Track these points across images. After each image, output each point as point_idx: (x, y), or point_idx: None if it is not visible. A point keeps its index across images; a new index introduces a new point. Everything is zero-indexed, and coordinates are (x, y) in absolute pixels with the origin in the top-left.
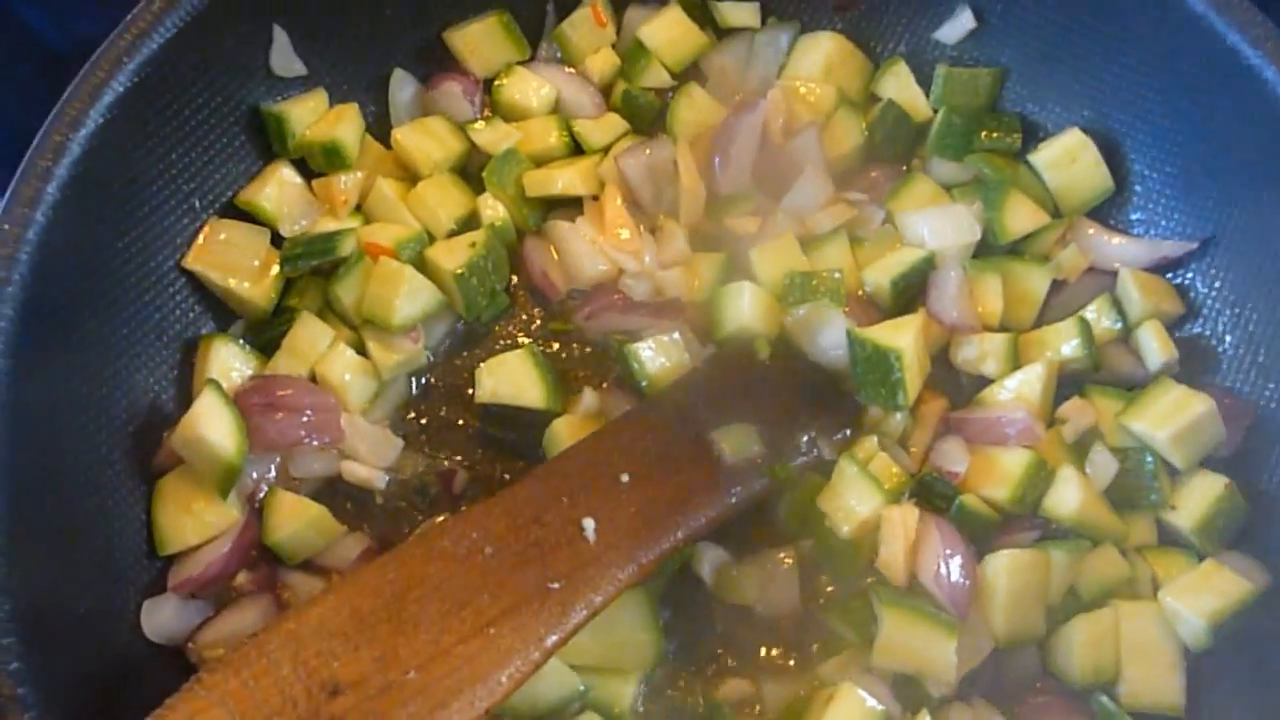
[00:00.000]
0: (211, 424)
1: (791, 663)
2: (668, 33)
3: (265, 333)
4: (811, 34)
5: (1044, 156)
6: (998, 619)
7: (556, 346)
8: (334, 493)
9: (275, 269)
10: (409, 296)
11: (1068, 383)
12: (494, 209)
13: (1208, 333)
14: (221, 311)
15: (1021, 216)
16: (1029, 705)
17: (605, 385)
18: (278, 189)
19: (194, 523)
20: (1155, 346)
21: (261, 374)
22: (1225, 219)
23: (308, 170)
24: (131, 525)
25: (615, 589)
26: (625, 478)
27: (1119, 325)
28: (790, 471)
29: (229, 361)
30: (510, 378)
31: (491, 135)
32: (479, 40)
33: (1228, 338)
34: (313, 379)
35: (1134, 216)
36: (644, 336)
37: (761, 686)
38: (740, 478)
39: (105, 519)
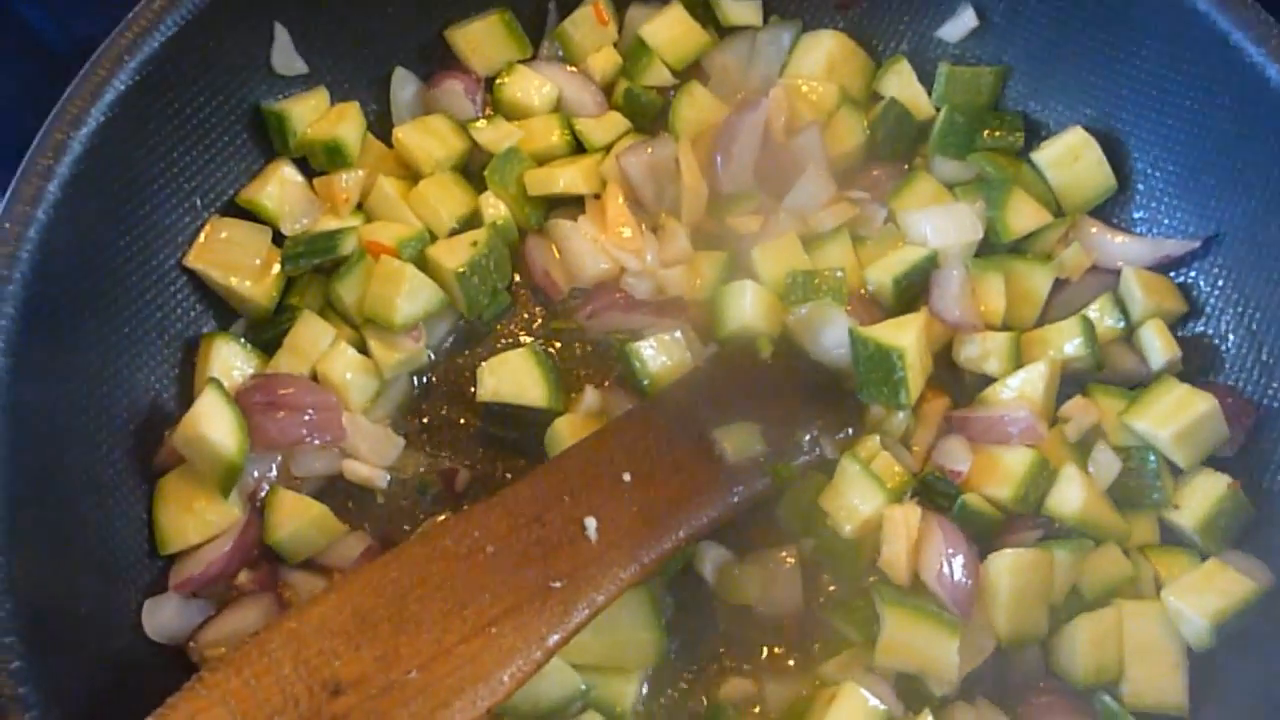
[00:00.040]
0: (213, 423)
1: (793, 662)
2: (669, 31)
3: (266, 331)
4: (813, 32)
5: (1046, 155)
6: (1000, 618)
7: (558, 345)
8: (335, 492)
9: (276, 267)
10: (410, 295)
11: (1070, 381)
12: (496, 207)
13: (1210, 331)
14: (223, 310)
15: (1024, 215)
16: (1032, 705)
17: (607, 384)
18: (279, 187)
19: (195, 522)
20: (1158, 345)
21: (263, 373)
22: (1228, 217)
23: (309, 169)
24: (132, 524)
25: (617, 588)
26: (627, 477)
27: (1121, 324)
28: (792, 470)
29: (230, 360)
30: (512, 376)
31: (493, 134)
32: (481, 38)
33: (1230, 336)
34: (314, 378)
35: (1136, 215)
36: (646, 335)
37: (764, 686)
38: (742, 477)
39: (106, 518)
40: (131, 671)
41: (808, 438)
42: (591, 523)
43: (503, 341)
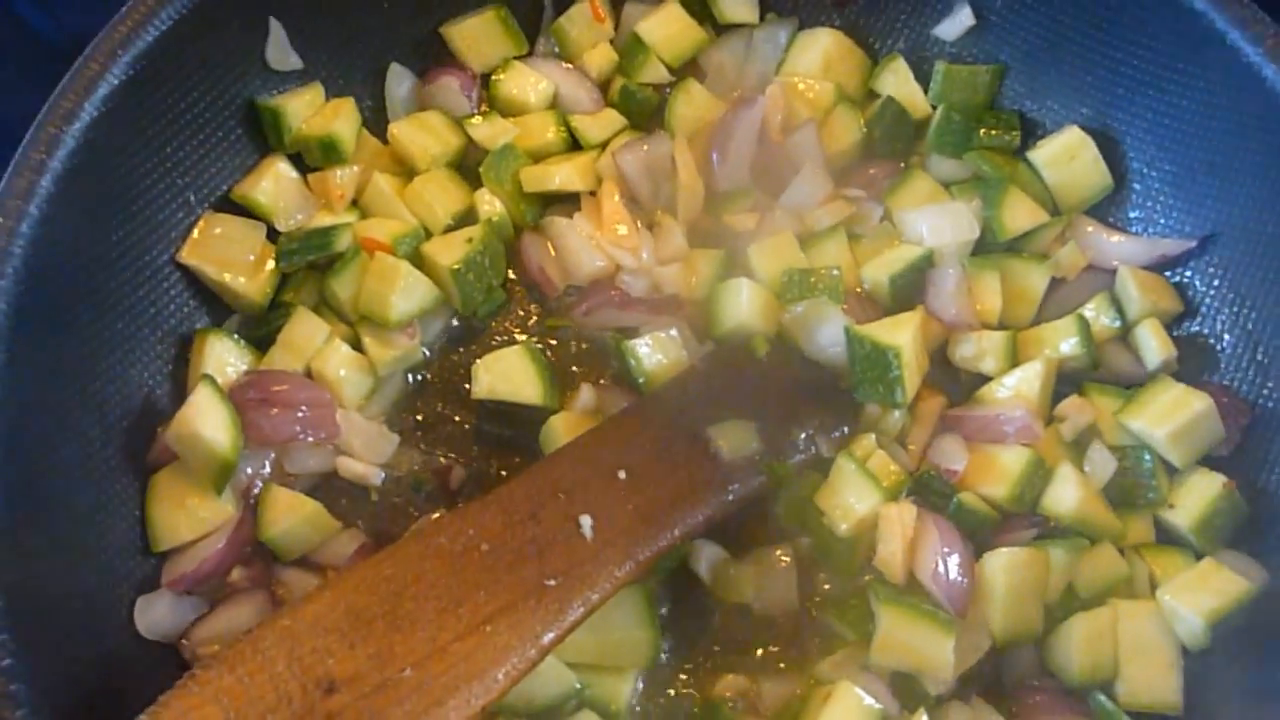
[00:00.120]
0: (206, 419)
1: (789, 661)
2: (666, 28)
3: (261, 328)
4: (810, 30)
5: (1043, 154)
6: (996, 617)
7: (554, 343)
8: (329, 489)
9: (271, 264)
10: (405, 292)
11: (1066, 381)
12: (491, 204)
13: (1206, 331)
14: (216, 306)
15: (1020, 214)
16: (1027, 704)
17: (602, 382)
18: (273, 183)
19: (188, 518)
20: (1154, 344)
21: (256, 369)
22: (1224, 217)
23: (304, 165)
24: (125, 521)
25: (612, 586)
26: (622, 475)
27: (1117, 323)
28: (788, 469)
29: (224, 356)
30: (507, 374)
31: (489, 130)
32: (476, 35)
33: (1226, 336)
34: (308, 374)
35: (1133, 214)
36: (641, 333)
37: (759, 684)
38: (738, 475)
39: (99, 514)
40: (124, 669)
41: (803, 436)
42: (586, 521)
43: (498, 339)
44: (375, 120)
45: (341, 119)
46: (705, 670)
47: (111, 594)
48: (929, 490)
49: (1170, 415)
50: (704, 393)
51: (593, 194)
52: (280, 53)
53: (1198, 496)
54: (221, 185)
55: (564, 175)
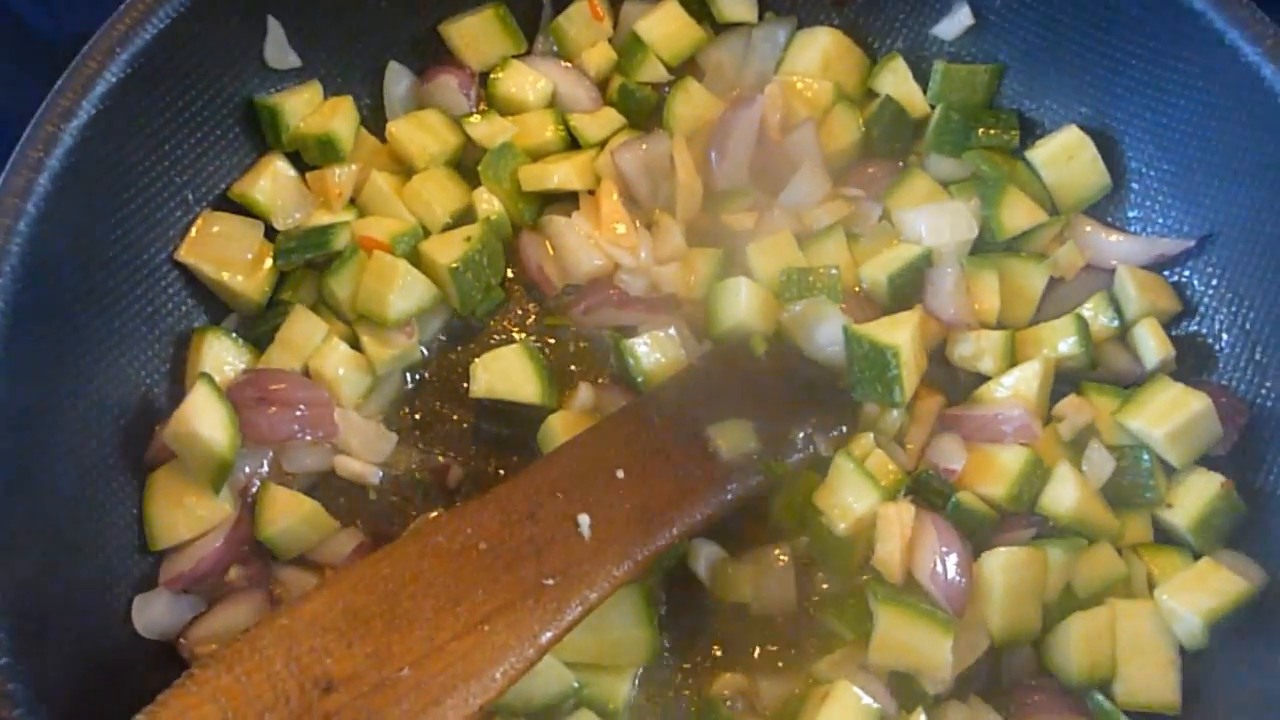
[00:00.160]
0: (204, 418)
1: (787, 660)
2: (665, 27)
3: (258, 326)
4: (809, 29)
5: (1042, 153)
6: (994, 617)
7: (552, 342)
8: (327, 488)
9: (269, 262)
10: (403, 291)
11: (1064, 380)
12: (489, 203)
13: (1204, 331)
14: (214, 305)
15: (1019, 213)
16: (1025, 703)
17: (601, 381)
18: (271, 182)
19: (186, 517)
20: (1152, 344)
21: (254, 368)
22: (1223, 217)
23: (302, 163)
24: (123, 520)
25: (610, 585)
26: (620, 474)
27: (1116, 323)
28: (786, 468)
29: (222, 355)
30: (505, 373)
31: (487, 129)
32: (475, 33)
33: (1224, 336)
34: (306, 373)
35: (1131, 214)
36: (640, 332)
37: (757, 683)
38: (736, 474)
39: (96, 513)
40: (121, 668)
41: (802, 435)
42: (585, 520)
43: (496, 338)
44: (373, 119)
45: (340, 117)
46: (703, 669)
47: (109, 592)
48: (927, 490)
49: (1168, 415)
50: (702, 392)
51: (591, 193)
52: (278, 51)
53: (1196, 496)
54: (219, 183)
55: (562, 174)
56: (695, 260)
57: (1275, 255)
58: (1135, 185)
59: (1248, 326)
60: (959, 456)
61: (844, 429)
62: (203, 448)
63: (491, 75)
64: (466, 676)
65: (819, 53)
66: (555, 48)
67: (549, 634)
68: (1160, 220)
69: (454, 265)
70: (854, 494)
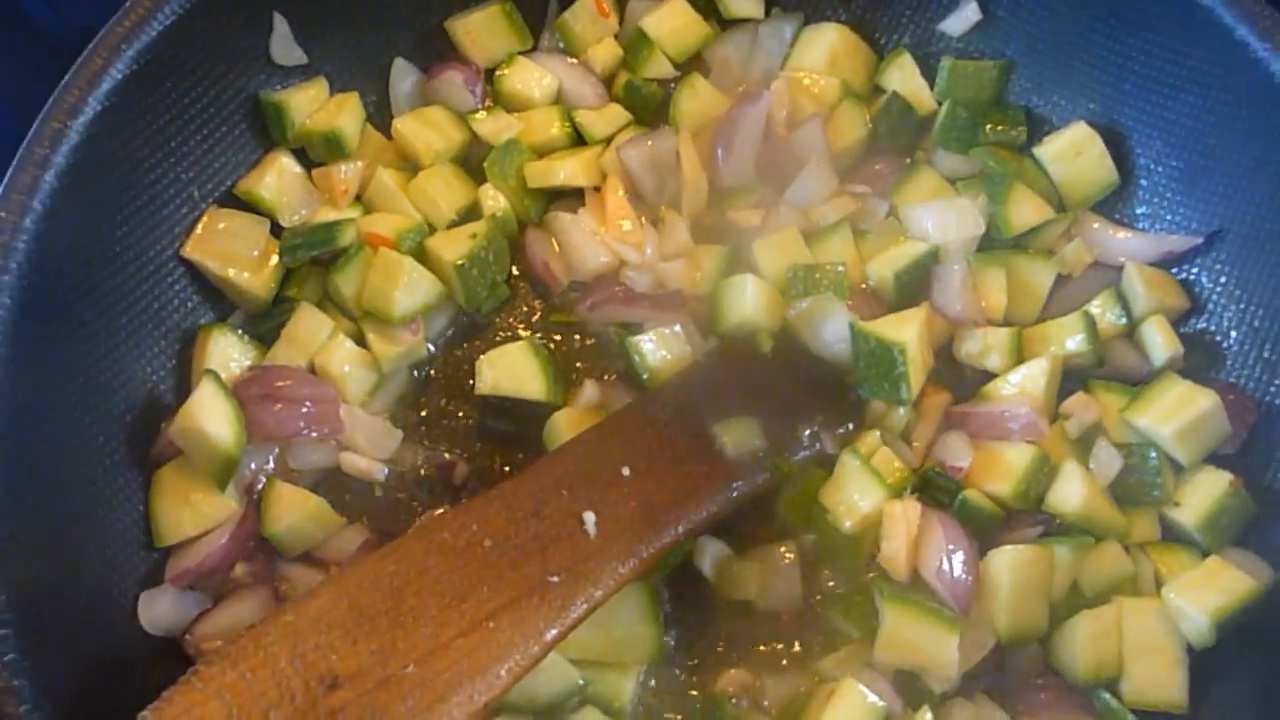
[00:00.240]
0: (210, 415)
1: (792, 658)
2: (671, 23)
3: (264, 323)
4: (816, 25)
5: (1049, 150)
6: (1000, 615)
7: (558, 339)
8: (333, 484)
9: (274, 259)
10: (409, 288)
11: (1071, 378)
12: (495, 200)
13: (1213, 328)
14: (220, 301)
15: (1026, 210)
16: (1031, 701)
17: (606, 378)
18: (277, 178)
19: (192, 514)
20: (1160, 341)
21: (260, 365)
22: (1231, 213)
23: (308, 160)
24: (129, 516)
25: (615, 583)
26: (626, 471)
27: (1123, 320)
28: (792, 465)
29: (228, 352)
30: (511, 370)
31: (493, 125)
32: (480, 29)
33: (1233, 333)
34: (312, 370)
35: (1139, 211)
36: (645, 329)
37: (762, 681)
38: (742, 471)
39: (102, 510)
40: (127, 664)
41: (808, 433)
42: (590, 517)
43: (502, 334)
44: (379, 115)
45: (345, 114)
46: (708, 667)
47: (115, 589)
48: (934, 487)
49: (1176, 412)
50: (708, 389)
51: (597, 189)
52: (284, 47)
53: (1204, 494)
54: (225, 180)
55: (568, 170)
56: (701, 257)
57: None
58: (1143, 182)
59: (1256, 324)
60: (965, 454)
61: (850, 426)
62: (208, 444)
63: (497, 72)
64: (471, 674)
65: (825, 49)
66: (561, 44)
67: (554, 631)
68: (1168, 217)
69: (460, 262)
70: (860, 491)
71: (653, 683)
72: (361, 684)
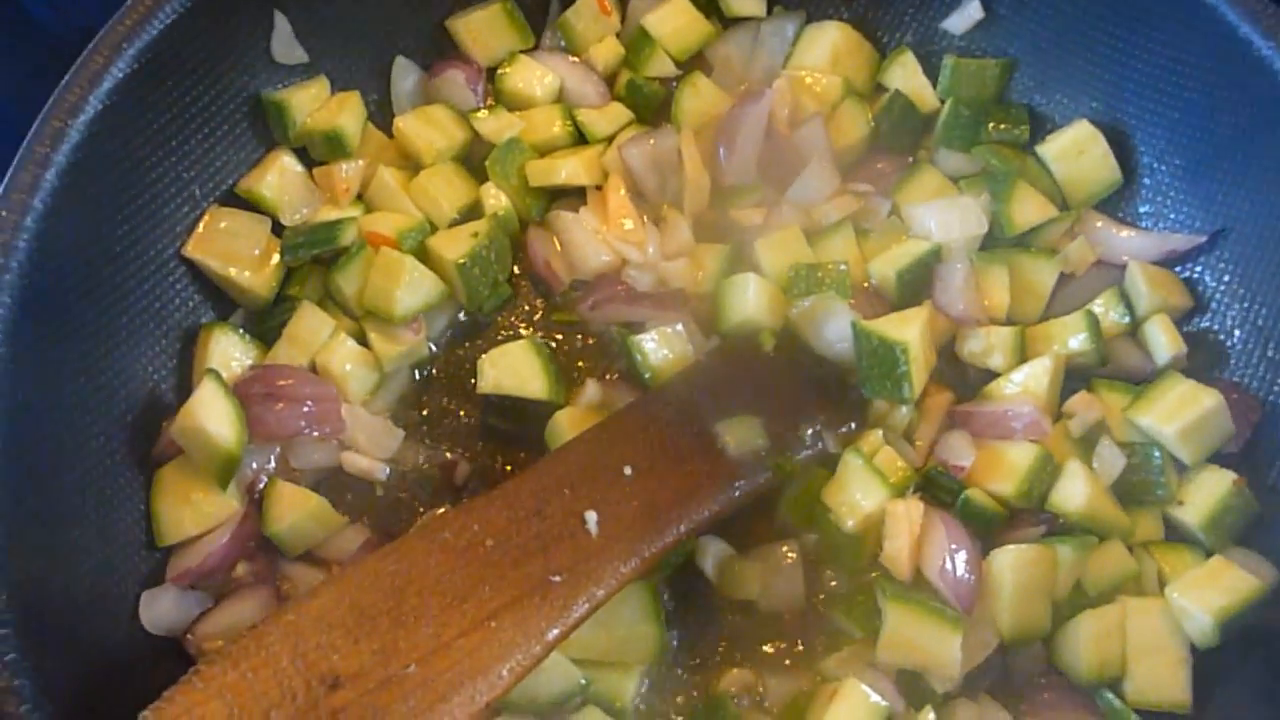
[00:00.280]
0: (211, 414)
1: (795, 658)
2: (673, 21)
3: (265, 322)
4: (818, 23)
5: (1052, 148)
6: (1003, 614)
7: (559, 338)
8: (334, 484)
9: (276, 258)
10: (410, 287)
11: (1074, 377)
12: (496, 198)
13: (1216, 327)
14: (221, 300)
15: (1029, 209)
16: (1034, 701)
17: (608, 377)
18: (278, 177)
19: (193, 513)
20: (1163, 340)
21: (261, 364)
22: (1235, 212)
23: (309, 158)
24: (130, 515)
25: (617, 582)
26: (628, 470)
27: (1127, 319)
28: (794, 465)
29: (229, 351)
30: (513, 368)
31: (494, 124)
32: (482, 28)
33: (1236, 332)
34: (313, 369)
35: (1142, 209)
36: (647, 328)
37: (765, 681)
38: (744, 471)
39: (103, 509)
40: (128, 664)
41: (810, 432)
42: (592, 516)
43: (503, 333)
44: (380, 114)
45: (347, 113)
46: (710, 666)
47: (116, 589)
48: (936, 487)
49: (1180, 412)
50: (710, 388)
51: (599, 188)
52: (285, 46)
53: (1207, 493)
54: (226, 179)
55: (570, 169)
56: (703, 256)
57: None
58: (1146, 180)
59: (1260, 323)
60: (968, 453)
61: (852, 425)
62: (210, 443)
63: (499, 70)
64: (473, 673)
65: (828, 47)
66: (563, 42)
67: (556, 631)
68: (1172, 215)
69: (461, 261)
70: (862, 491)
71: (655, 682)
72: (363, 684)
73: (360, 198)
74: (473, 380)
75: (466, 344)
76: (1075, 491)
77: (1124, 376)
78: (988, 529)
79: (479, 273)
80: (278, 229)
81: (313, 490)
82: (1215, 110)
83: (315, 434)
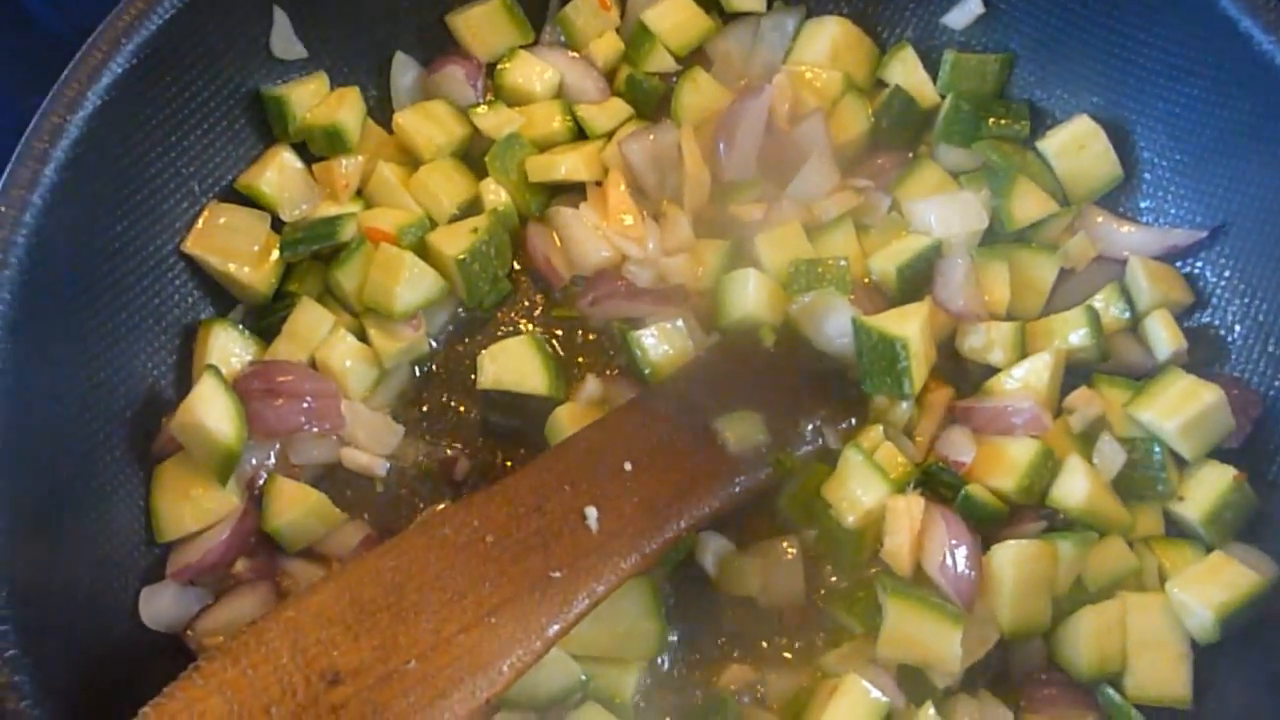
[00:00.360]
0: (211, 410)
1: (795, 653)
2: (673, 17)
3: (265, 318)
4: (818, 19)
5: (1052, 143)
6: (1004, 610)
7: (559, 333)
8: (334, 480)
9: (275, 254)
10: (410, 284)
11: (1075, 372)
12: (496, 194)
13: (1216, 322)
14: (221, 296)
15: (1029, 204)
16: (1034, 697)
17: (608, 373)
18: (278, 173)
19: (193, 509)
20: (1164, 336)
21: (261, 360)
22: (1235, 207)
23: (308, 154)
24: (130, 511)
25: (618, 578)
26: (628, 466)
27: (1127, 314)
28: (795, 460)
29: (228, 347)
30: (512, 364)
31: (494, 120)
32: (482, 23)
33: (1237, 327)
34: (313, 365)
35: (1143, 204)
36: (647, 324)
37: (765, 676)
38: (744, 466)
39: (103, 505)
40: (128, 660)
41: (810, 427)
42: (592, 512)
43: (503, 329)
44: (380, 109)
45: (346, 108)
46: (711, 662)
47: (116, 585)
48: (937, 482)
49: (1180, 407)
50: (710, 384)
51: (599, 184)
52: (285, 41)
53: (1208, 489)
54: (226, 175)
55: (570, 165)
56: (703, 251)
57: None
58: (1147, 175)
59: (1260, 318)
60: (968, 449)
61: (853, 421)
62: (209, 440)
63: (499, 66)
64: (473, 669)
65: (828, 42)
66: (562, 38)
67: (556, 627)
68: (1172, 211)
69: (461, 257)
70: (863, 486)
71: (655, 678)
72: (363, 679)
73: (360, 193)
74: (473, 376)
75: (466, 340)
76: (1076, 487)
77: (1125, 372)
78: (988, 524)
79: (479, 268)
80: (277, 225)
81: (312, 486)
82: (1216, 105)
83: (315, 430)
